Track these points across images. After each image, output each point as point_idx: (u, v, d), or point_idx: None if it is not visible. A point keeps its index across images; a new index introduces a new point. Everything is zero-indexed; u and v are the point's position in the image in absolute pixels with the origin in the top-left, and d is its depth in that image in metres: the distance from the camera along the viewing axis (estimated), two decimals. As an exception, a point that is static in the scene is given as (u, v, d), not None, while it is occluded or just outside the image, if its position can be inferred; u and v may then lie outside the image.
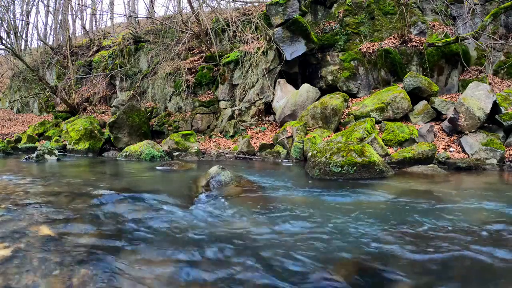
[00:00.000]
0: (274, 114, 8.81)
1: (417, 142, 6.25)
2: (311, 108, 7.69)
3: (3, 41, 12.41)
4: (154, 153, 7.15)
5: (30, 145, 9.82)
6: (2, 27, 15.62)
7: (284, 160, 6.79)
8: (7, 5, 15.92)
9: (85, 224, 2.39)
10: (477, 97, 6.39)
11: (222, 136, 9.12)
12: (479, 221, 2.56)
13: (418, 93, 7.45)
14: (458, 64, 8.37)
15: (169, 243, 2.10)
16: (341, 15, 9.54)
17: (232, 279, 1.68)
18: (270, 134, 8.33)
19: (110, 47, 13.95)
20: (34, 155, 6.72)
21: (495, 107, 6.31)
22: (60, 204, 2.88)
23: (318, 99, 8.09)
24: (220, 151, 7.83)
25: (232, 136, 8.83)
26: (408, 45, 8.60)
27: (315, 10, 9.97)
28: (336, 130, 7.39)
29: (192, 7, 11.14)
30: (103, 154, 8.59)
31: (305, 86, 8.51)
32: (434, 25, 9.05)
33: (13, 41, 15.73)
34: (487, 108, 6.23)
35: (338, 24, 9.50)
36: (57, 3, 17.72)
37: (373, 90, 8.66)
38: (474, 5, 8.70)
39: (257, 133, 8.64)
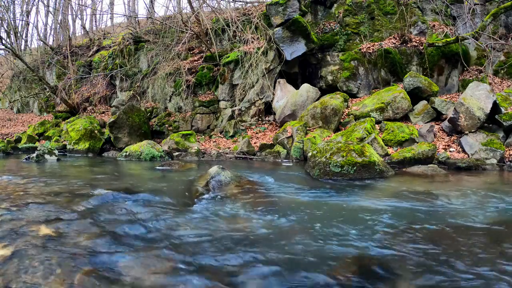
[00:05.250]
0: (274, 114, 8.81)
1: (417, 142, 6.25)
2: (311, 108, 7.69)
3: (3, 41, 12.40)
4: (154, 153, 7.15)
5: (30, 145, 9.81)
6: (2, 27, 15.61)
7: (284, 160, 6.79)
8: (7, 5, 15.92)
9: (85, 224, 2.39)
10: (477, 97, 6.39)
11: (222, 136, 9.11)
12: (479, 221, 2.56)
13: (418, 93, 7.45)
14: (458, 64, 8.36)
15: (169, 243, 2.10)
16: (341, 15, 9.54)
17: (231, 277, 1.68)
18: (270, 134, 8.33)
19: (110, 47, 13.94)
20: (34, 155, 6.72)
21: (495, 107, 6.30)
22: (60, 204, 2.88)
23: (318, 99, 8.09)
24: (220, 151, 7.83)
25: (232, 136, 8.83)
26: (408, 45, 8.59)
27: (315, 10, 9.97)
28: (336, 130, 7.39)
29: (192, 7, 11.14)
30: (103, 154, 8.59)
31: (305, 86, 8.51)
32: (434, 25, 9.05)
33: (13, 41, 15.71)
34: (487, 108, 6.23)
35: (338, 24, 9.50)
36: (57, 3, 17.72)
37: (373, 90, 8.66)
38: (474, 5, 8.70)
39: (257, 133, 8.64)
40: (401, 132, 6.44)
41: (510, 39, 8.47)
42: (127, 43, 12.55)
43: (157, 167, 5.68)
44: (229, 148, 8.08)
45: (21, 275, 1.63)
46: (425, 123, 7.06)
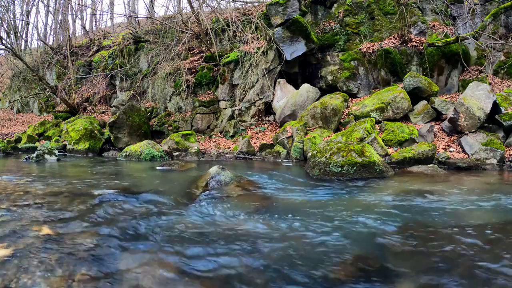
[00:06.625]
0: (274, 114, 8.81)
1: (417, 142, 6.25)
2: (311, 108, 7.69)
3: (3, 41, 12.41)
4: (154, 153, 7.15)
5: (30, 145, 9.82)
6: (2, 27, 15.62)
7: (284, 160, 6.79)
8: (7, 5, 15.92)
9: (85, 224, 2.39)
10: (477, 97, 6.39)
11: (222, 136, 9.12)
12: (480, 221, 2.56)
13: (418, 93, 7.45)
14: (458, 64, 8.36)
15: (168, 243, 2.10)
16: (341, 15, 9.54)
17: (229, 277, 1.68)
18: (270, 134, 8.33)
19: (110, 47, 13.94)
20: (34, 155, 6.72)
21: (495, 107, 6.30)
22: (60, 204, 2.88)
23: (318, 99, 8.09)
24: (220, 151, 7.83)
25: (232, 136, 8.83)
26: (408, 45, 8.59)
27: (315, 10, 9.97)
28: (336, 130, 7.39)
29: (192, 7, 11.14)
30: (103, 154, 8.60)
31: (305, 86, 8.50)
32: (434, 25, 9.04)
33: (13, 41, 15.72)
34: (487, 108, 6.23)
35: (338, 24, 9.49)
36: (57, 3, 17.73)
37: (373, 90, 8.66)
38: (474, 5, 8.70)
39: (257, 133, 8.64)
40: (401, 132, 6.44)
41: (510, 39, 8.47)
42: (127, 43, 12.55)
43: (157, 167, 5.68)
44: (229, 148, 8.08)
45: (21, 275, 1.63)
46: (425, 123, 7.06)
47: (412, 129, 6.63)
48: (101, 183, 3.99)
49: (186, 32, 10.39)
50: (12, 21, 16.12)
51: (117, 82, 12.38)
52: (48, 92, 13.96)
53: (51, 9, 18.26)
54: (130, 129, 8.87)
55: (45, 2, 19.08)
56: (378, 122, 7.10)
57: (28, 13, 18.62)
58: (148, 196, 3.18)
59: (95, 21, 19.81)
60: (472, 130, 6.22)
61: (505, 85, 8.08)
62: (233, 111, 9.18)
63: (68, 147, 8.94)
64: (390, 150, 6.20)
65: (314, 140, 6.58)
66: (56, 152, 7.14)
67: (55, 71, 14.89)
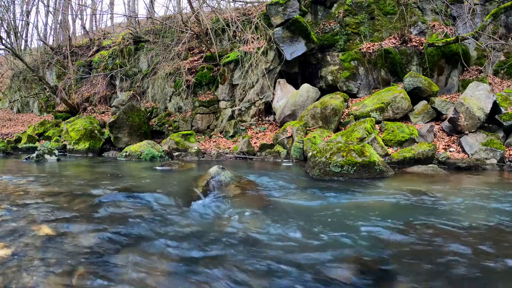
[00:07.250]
0: (274, 114, 8.81)
1: (417, 142, 6.25)
2: (311, 108, 7.69)
3: (3, 41, 12.41)
4: (154, 153, 7.15)
5: (30, 145, 9.81)
6: (2, 27, 15.62)
7: (284, 160, 6.79)
8: (7, 5, 15.93)
9: (85, 224, 2.39)
10: (477, 97, 6.39)
11: (222, 136, 9.11)
12: (479, 221, 2.56)
13: (418, 93, 7.45)
14: (458, 64, 8.36)
15: (168, 243, 2.10)
16: (341, 15, 9.54)
17: (229, 278, 1.68)
18: (270, 134, 8.33)
19: (110, 47, 13.94)
20: (34, 155, 6.72)
21: (495, 107, 6.30)
22: (60, 204, 2.88)
23: (318, 99, 8.09)
24: (220, 151, 7.83)
25: (232, 136, 8.83)
26: (408, 45, 8.59)
27: (315, 10, 9.97)
28: (336, 130, 7.39)
29: (192, 7, 11.13)
30: (103, 154, 8.60)
31: (305, 86, 8.51)
32: (434, 25, 9.04)
33: (13, 41, 15.73)
34: (487, 108, 6.23)
35: (338, 24, 9.49)
36: (57, 3, 17.73)
37: (373, 90, 8.66)
38: (474, 5, 8.70)
39: (257, 133, 8.64)
40: (401, 132, 6.44)
41: (510, 39, 8.47)
42: (127, 43, 12.55)
43: (157, 167, 5.68)
44: (229, 148, 8.08)
45: (21, 275, 1.63)
46: (425, 123, 7.06)
47: (412, 129, 6.63)
48: (101, 183, 3.99)
49: (186, 32, 10.39)
50: (12, 21, 16.14)
51: (117, 82, 12.38)
52: (48, 92, 13.96)
53: (51, 9, 18.27)
54: (130, 129, 8.87)
55: (45, 2, 19.10)
56: (378, 122, 7.10)
57: (28, 13, 18.63)
58: (148, 196, 3.18)
59: (95, 21, 19.83)
60: (472, 130, 6.22)
61: (505, 85, 8.08)
62: (233, 111, 9.18)
63: (68, 147, 8.94)
64: (390, 150, 6.20)
65: (314, 140, 6.58)
66: (56, 152, 7.14)
67: (55, 71, 14.89)
